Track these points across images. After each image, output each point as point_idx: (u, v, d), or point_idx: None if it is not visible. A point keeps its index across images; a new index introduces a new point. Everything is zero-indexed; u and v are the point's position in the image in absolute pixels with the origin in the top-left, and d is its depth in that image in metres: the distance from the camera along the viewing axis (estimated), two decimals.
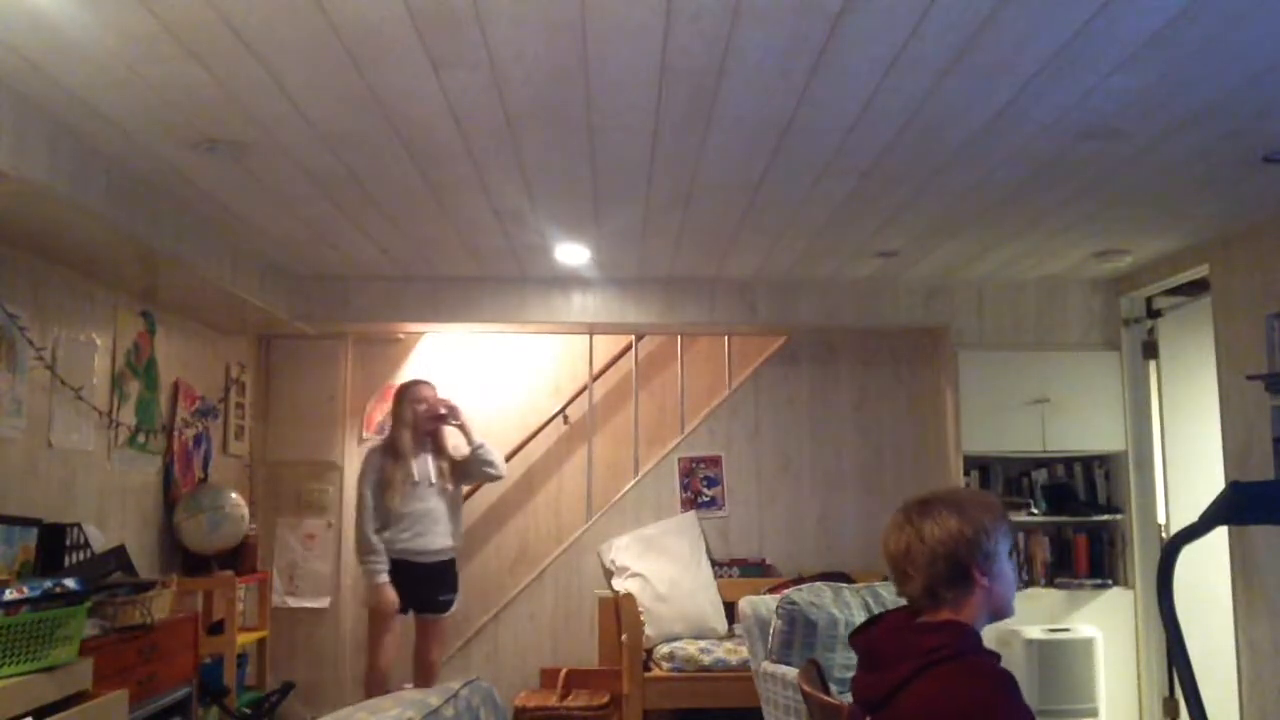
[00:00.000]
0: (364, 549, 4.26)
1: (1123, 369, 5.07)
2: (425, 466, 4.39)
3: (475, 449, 4.48)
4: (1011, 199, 3.66)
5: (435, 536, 4.36)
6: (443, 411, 4.45)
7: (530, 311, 5.09)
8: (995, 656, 1.68)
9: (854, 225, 4.05)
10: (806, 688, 1.79)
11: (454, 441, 4.54)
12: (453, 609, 4.51)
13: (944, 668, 1.59)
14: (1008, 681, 1.58)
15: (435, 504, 4.37)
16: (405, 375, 5.89)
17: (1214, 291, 4.25)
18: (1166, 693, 4.85)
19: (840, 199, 3.67)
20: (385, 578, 4.23)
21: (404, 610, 4.31)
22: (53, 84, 2.58)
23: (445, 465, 4.47)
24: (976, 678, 1.58)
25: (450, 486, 4.46)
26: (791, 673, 3.65)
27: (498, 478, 4.68)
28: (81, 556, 3.61)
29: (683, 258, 4.65)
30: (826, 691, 2.02)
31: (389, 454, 4.38)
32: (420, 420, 4.40)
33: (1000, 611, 1.73)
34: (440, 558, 4.39)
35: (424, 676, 4.44)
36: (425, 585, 4.36)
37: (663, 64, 2.49)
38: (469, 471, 4.53)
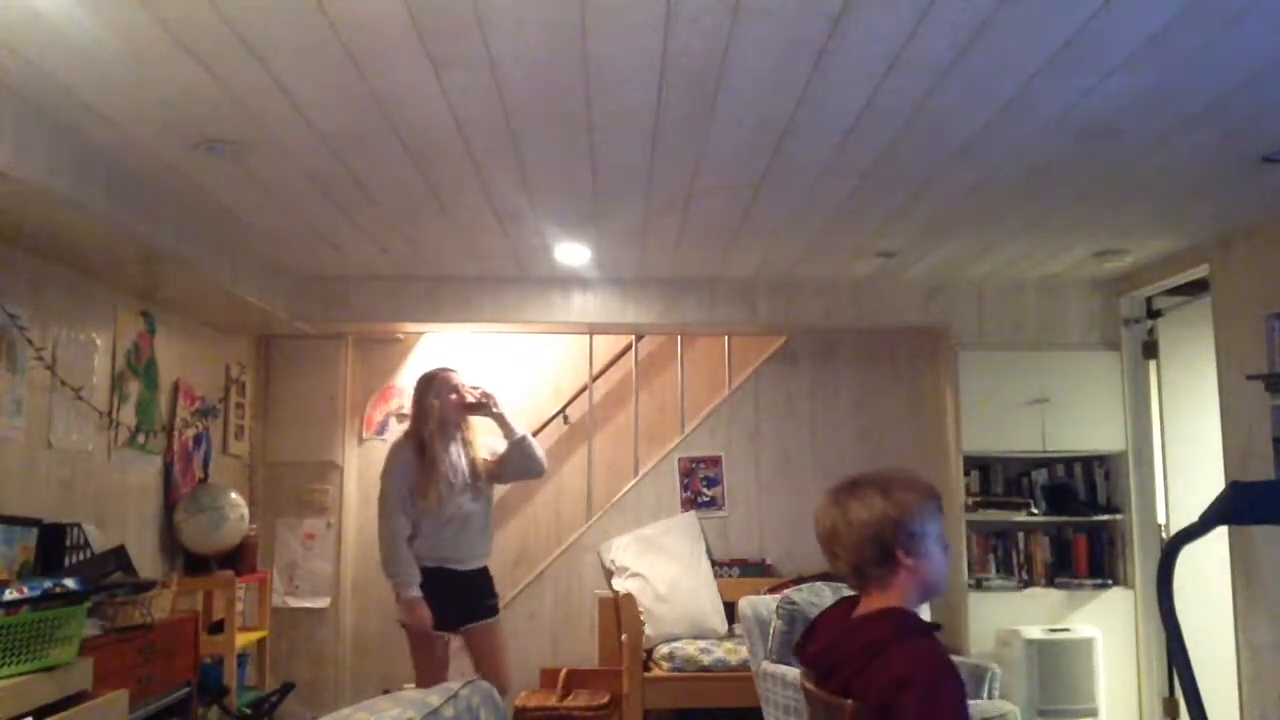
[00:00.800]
0: (392, 560, 3.70)
1: (1123, 369, 5.07)
2: (459, 465, 3.83)
3: (516, 441, 3.90)
4: (1011, 199, 3.66)
5: (475, 544, 3.84)
6: (478, 399, 3.86)
7: (530, 311, 5.09)
8: (932, 632, 1.71)
9: (854, 225, 4.05)
10: (809, 686, 1.79)
11: (481, 438, 3.99)
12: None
13: (887, 654, 1.62)
14: (945, 661, 1.61)
15: (473, 508, 3.83)
16: (405, 375, 5.90)
17: (1214, 291, 4.25)
18: (1166, 693, 4.85)
19: (840, 199, 3.67)
20: (418, 591, 3.67)
21: (449, 627, 3.73)
22: (53, 84, 2.58)
23: (478, 463, 3.89)
24: (913, 657, 1.61)
25: (485, 487, 3.91)
26: (792, 673, 3.65)
27: (538, 474, 4.07)
28: (81, 556, 3.61)
29: (683, 258, 4.65)
30: None
31: (419, 451, 3.79)
32: (450, 412, 3.83)
33: (930, 590, 1.76)
34: (479, 564, 3.88)
35: (503, 689, 3.80)
36: (470, 592, 3.82)
37: (663, 64, 2.49)
38: (505, 469, 3.95)
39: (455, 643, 3.82)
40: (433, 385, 3.86)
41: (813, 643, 1.81)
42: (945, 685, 1.58)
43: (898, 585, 1.72)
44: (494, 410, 3.88)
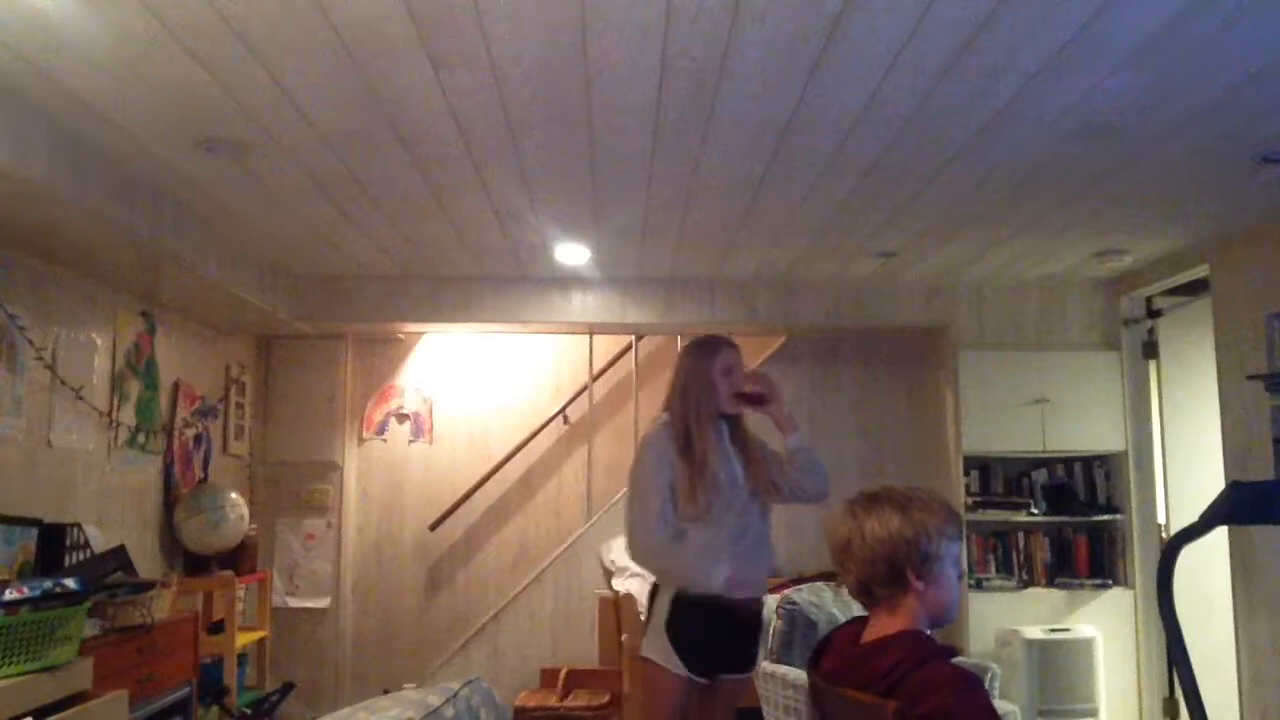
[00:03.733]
0: (673, 572, 2.85)
1: (1123, 369, 5.06)
2: (733, 467, 2.91)
3: (796, 452, 2.98)
4: (1011, 199, 3.66)
5: (755, 568, 2.90)
6: (757, 390, 2.96)
7: (530, 311, 5.09)
8: (950, 653, 1.66)
9: (854, 225, 4.05)
10: (836, 688, 1.78)
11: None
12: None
13: (912, 680, 1.56)
14: (966, 682, 1.56)
15: (753, 520, 2.91)
16: (405, 375, 5.89)
17: (1214, 291, 4.25)
18: (1166, 693, 4.85)
19: (840, 199, 3.67)
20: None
21: (702, 672, 2.81)
22: (53, 84, 2.58)
23: (760, 467, 2.96)
24: (941, 685, 1.55)
25: (765, 499, 2.96)
26: (792, 673, 3.65)
27: (820, 498, 3.01)
28: (81, 556, 3.61)
29: (683, 258, 4.65)
30: None
31: (682, 446, 2.87)
32: (723, 401, 2.92)
33: (938, 618, 1.70)
34: (754, 594, 2.90)
35: None
36: (734, 636, 2.87)
37: (663, 64, 2.49)
38: (776, 483, 2.96)
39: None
40: (706, 359, 2.94)
41: (826, 659, 1.77)
42: (984, 707, 1.54)
43: (906, 608, 1.67)
44: (777, 408, 2.96)
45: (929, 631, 1.72)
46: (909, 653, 1.61)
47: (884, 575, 1.67)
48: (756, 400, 2.96)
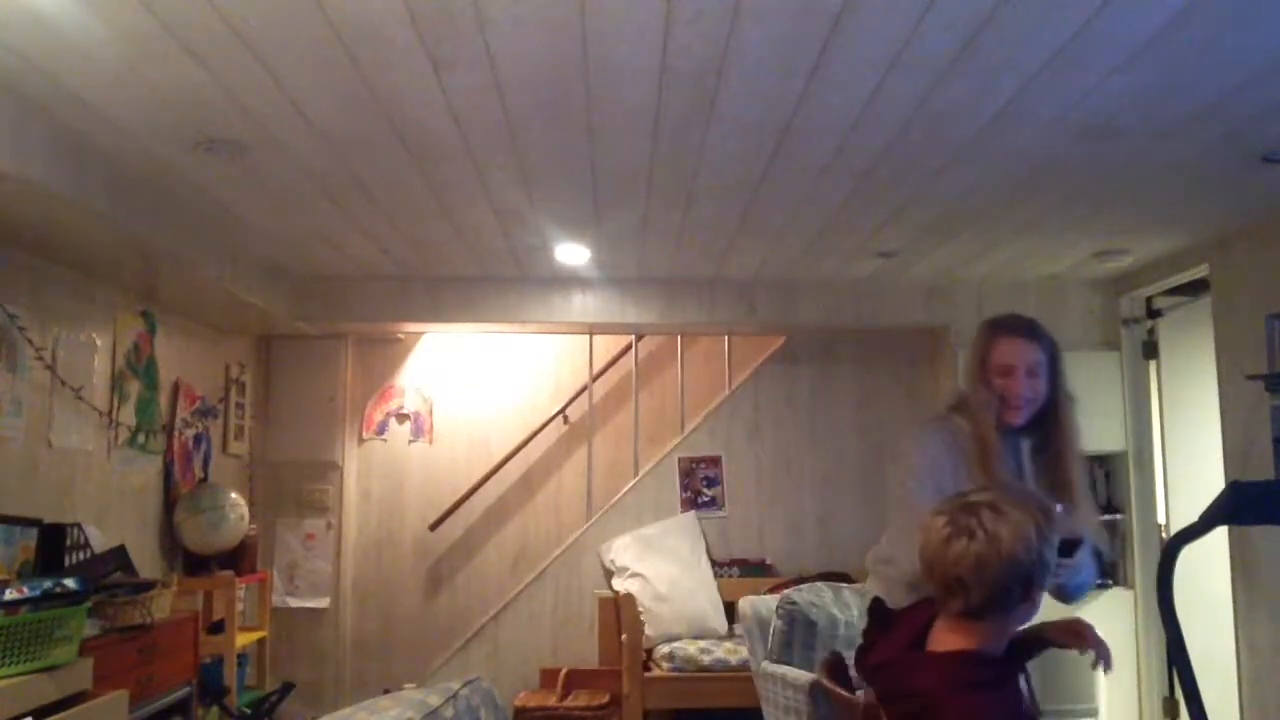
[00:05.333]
0: None
1: (1123, 369, 5.06)
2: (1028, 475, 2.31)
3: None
4: (1011, 199, 3.66)
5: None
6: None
7: (530, 311, 5.09)
8: (996, 685, 1.46)
9: (854, 225, 4.05)
10: (826, 681, 1.78)
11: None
12: None
13: (934, 711, 1.44)
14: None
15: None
16: (405, 375, 5.90)
17: (1214, 291, 4.25)
18: (1166, 693, 4.85)
19: (840, 199, 3.67)
20: None
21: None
22: (53, 84, 2.58)
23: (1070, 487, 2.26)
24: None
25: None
26: (792, 673, 3.65)
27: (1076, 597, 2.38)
28: (81, 556, 3.61)
29: (683, 258, 4.65)
30: (849, 684, 2.00)
31: (968, 441, 2.28)
32: (990, 405, 2.29)
33: (1018, 629, 1.53)
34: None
35: None
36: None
37: (663, 64, 2.49)
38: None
39: None
40: (992, 347, 2.34)
41: (875, 652, 1.62)
42: None
43: (999, 625, 1.46)
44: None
45: (1003, 646, 1.51)
46: (939, 678, 1.46)
47: (1019, 594, 1.44)
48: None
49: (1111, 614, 4.94)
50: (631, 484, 5.63)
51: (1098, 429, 5.03)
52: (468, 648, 5.38)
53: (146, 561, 4.30)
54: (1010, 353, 2.24)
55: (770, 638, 3.96)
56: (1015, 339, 2.28)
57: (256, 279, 4.50)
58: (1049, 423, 2.26)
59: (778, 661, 3.87)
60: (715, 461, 5.65)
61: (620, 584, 5.20)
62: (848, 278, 5.08)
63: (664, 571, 5.19)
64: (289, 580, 5.53)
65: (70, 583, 2.73)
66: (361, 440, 5.80)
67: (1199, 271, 4.39)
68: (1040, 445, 2.22)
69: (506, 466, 5.84)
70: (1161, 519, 4.95)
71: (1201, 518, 1.63)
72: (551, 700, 4.93)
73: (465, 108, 2.77)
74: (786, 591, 4.12)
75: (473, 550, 5.89)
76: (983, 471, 2.11)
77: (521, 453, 5.89)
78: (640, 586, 5.12)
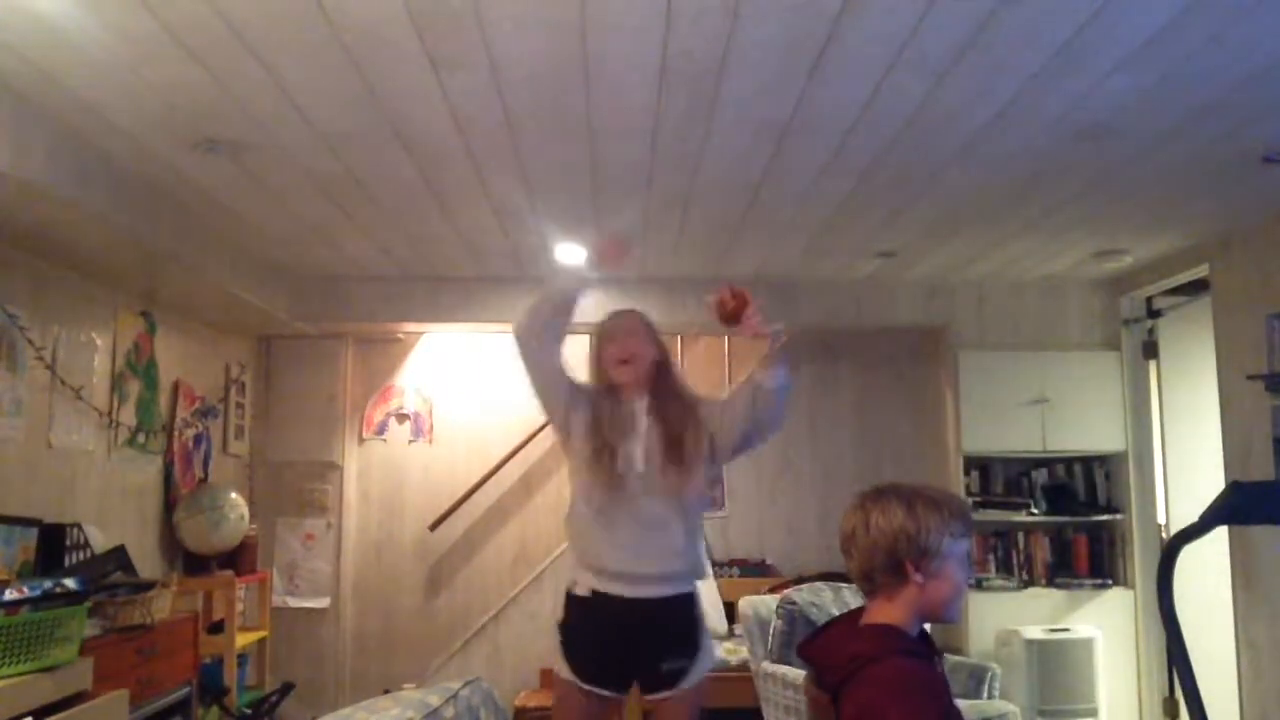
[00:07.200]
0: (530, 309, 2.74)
1: (1123, 369, 5.06)
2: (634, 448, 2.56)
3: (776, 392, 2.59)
4: (1011, 199, 3.66)
5: (650, 554, 2.49)
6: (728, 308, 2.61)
7: None
8: (923, 656, 1.68)
9: (854, 225, 4.05)
10: (809, 685, 1.80)
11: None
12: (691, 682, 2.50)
13: (864, 672, 1.62)
14: (913, 684, 1.60)
15: (652, 507, 2.52)
16: (405, 375, 5.90)
17: (1214, 291, 4.25)
18: (1166, 693, 4.85)
19: (840, 199, 3.67)
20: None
21: (604, 682, 2.49)
22: (53, 84, 2.58)
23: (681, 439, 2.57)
24: (881, 682, 1.60)
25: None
26: (792, 672, 3.66)
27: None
28: (81, 556, 3.61)
29: (683, 258, 4.65)
30: None
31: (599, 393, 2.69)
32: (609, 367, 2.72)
33: (936, 614, 1.73)
34: (658, 591, 2.49)
35: None
36: (637, 634, 2.48)
37: (663, 64, 2.49)
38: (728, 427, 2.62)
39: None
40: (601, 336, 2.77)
41: (813, 645, 1.83)
42: (918, 712, 1.56)
43: (903, 600, 1.71)
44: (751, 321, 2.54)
45: (923, 627, 1.76)
46: (872, 645, 1.66)
47: (883, 564, 1.71)
48: (732, 319, 2.54)
49: (1111, 614, 4.95)
50: None
51: (1098, 429, 5.04)
52: (468, 648, 5.38)
53: (146, 562, 4.30)
54: (613, 326, 2.81)
55: (770, 638, 3.97)
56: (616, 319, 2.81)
57: (256, 279, 4.50)
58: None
59: (778, 661, 3.87)
60: None
61: None
62: (848, 278, 5.08)
63: None
64: (289, 580, 5.53)
65: (70, 583, 2.73)
66: (361, 440, 5.80)
67: (1199, 271, 4.39)
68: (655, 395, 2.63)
69: (506, 466, 5.83)
70: (1161, 519, 4.96)
71: (1202, 518, 1.63)
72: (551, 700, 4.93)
73: (465, 108, 2.77)
74: (786, 591, 4.12)
75: (472, 550, 5.88)
76: None
77: (521, 453, 5.88)
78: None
